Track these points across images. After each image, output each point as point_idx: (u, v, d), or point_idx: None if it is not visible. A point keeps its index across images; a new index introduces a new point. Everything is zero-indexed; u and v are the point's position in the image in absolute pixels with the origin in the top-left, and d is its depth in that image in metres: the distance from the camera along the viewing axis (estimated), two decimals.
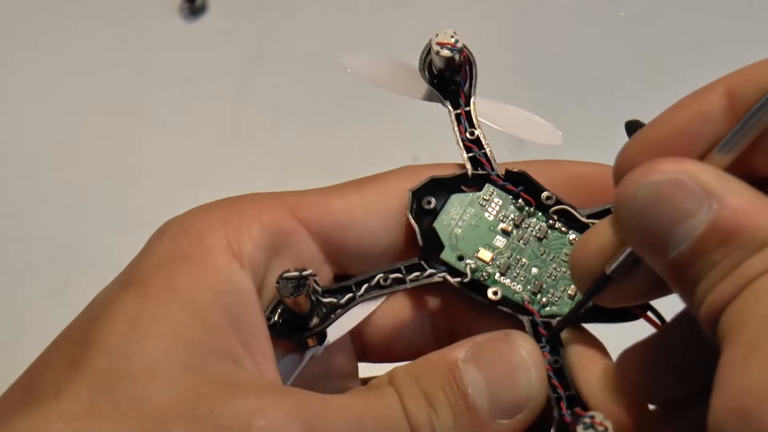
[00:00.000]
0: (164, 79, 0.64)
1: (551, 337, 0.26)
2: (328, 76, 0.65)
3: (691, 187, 0.21)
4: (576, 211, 0.27)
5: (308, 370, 0.27)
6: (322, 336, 0.27)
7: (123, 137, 0.62)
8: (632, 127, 0.28)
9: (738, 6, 0.68)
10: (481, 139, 0.28)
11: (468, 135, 0.28)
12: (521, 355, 0.25)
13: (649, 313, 0.27)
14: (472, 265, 0.27)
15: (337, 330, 0.27)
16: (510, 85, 0.65)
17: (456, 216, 0.27)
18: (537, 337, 0.26)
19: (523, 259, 0.27)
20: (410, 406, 0.23)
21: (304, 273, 0.25)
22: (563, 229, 0.27)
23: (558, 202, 0.27)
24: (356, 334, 0.28)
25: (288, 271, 0.25)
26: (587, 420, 0.24)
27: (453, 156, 0.64)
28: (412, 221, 0.27)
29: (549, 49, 0.67)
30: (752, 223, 0.20)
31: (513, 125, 0.30)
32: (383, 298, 0.27)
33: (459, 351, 0.24)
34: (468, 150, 0.28)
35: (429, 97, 0.30)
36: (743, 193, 0.21)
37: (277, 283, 0.25)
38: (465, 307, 0.27)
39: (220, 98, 0.63)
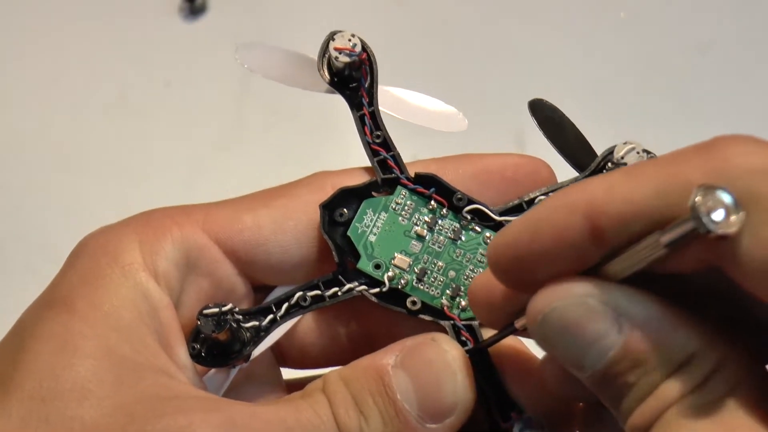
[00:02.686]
0: (164, 79, 0.64)
1: (476, 340, 0.26)
2: None
3: (598, 310, 0.20)
4: (489, 210, 0.27)
5: (233, 379, 0.27)
6: (247, 356, 0.27)
7: (123, 137, 0.62)
8: (536, 107, 0.28)
9: (738, 6, 0.68)
10: (388, 141, 0.28)
11: (374, 138, 0.28)
12: (447, 361, 0.25)
13: None
14: (390, 274, 0.26)
15: (260, 347, 0.27)
16: (510, 85, 0.65)
17: (369, 222, 0.27)
18: (460, 341, 0.26)
19: (440, 263, 0.27)
20: (341, 414, 0.23)
21: (224, 309, 0.25)
22: (477, 228, 0.27)
23: (470, 201, 0.27)
24: (274, 344, 0.28)
25: (208, 306, 0.25)
26: (520, 425, 0.25)
27: (452, 155, 0.64)
28: (326, 237, 0.26)
29: (549, 49, 0.67)
30: (664, 343, 0.20)
31: (417, 114, 0.30)
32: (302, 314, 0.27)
33: (389, 356, 0.24)
34: (375, 153, 0.28)
35: (332, 90, 0.29)
36: (652, 310, 0.20)
37: (198, 320, 0.25)
38: (384, 315, 0.27)
39: (220, 98, 0.63)
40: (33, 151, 0.61)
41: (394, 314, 0.27)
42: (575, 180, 0.28)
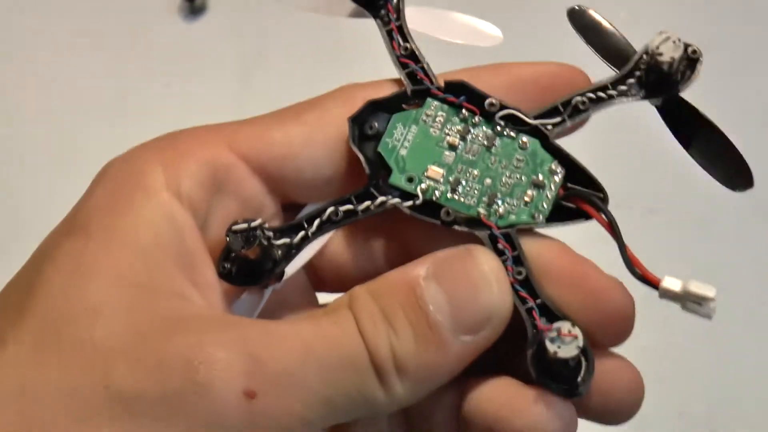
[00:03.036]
0: (164, 79, 0.64)
1: (513, 248, 0.25)
2: (328, 76, 0.65)
3: None
4: (522, 114, 0.27)
5: (266, 307, 0.26)
6: (280, 274, 0.26)
7: (123, 137, 0.62)
8: (575, 15, 0.27)
9: (738, 6, 0.68)
10: (416, 52, 0.27)
11: (402, 51, 0.28)
12: (483, 271, 0.24)
13: (602, 214, 0.27)
14: (423, 186, 0.26)
15: (292, 265, 0.26)
16: None
17: (400, 136, 0.26)
18: (497, 250, 0.25)
19: (475, 171, 0.26)
20: (367, 328, 0.22)
21: (253, 224, 0.24)
22: (512, 134, 0.26)
23: (502, 107, 0.27)
24: (308, 265, 0.27)
25: (236, 222, 0.24)
26: (554, 333, 0.23)
27: None
28: (356, 150, 0.26)
29: (549, 49, 0.67)
30: None
31: (448, 31, 0.29)
32: (335, 230, 0.26)
33: (420, 268, 0.24)
34: (404, 66, 0.27)
35: (356, 14, 0.29)
36: None
37: (227, 236, 0.24)
38: (419, 230, 0.26)
39: (220, 98, 0.63)
40: (33, 151, 0.61)
41: (431, 229, 0.26)
42: (614, 78, 0.28)
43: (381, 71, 0.68)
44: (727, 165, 0.28)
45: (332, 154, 0.26)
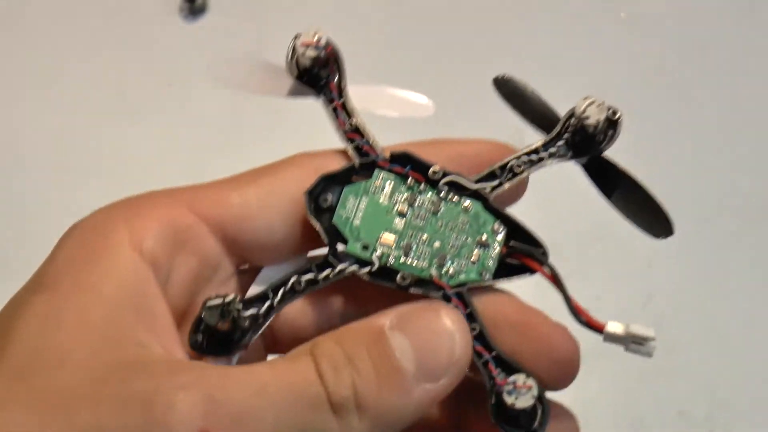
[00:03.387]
0: (164, 79, 0.64)
1: (466, 306, 0.27)
2: None
3: None
4: (463, 179, 0.28)
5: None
6: (247, 343, 0.27)
7: (123, 137, 0.62)
8: (500, 83, 0.29)
9: (738, 6, 0.68)
10: (361, 127, 0.29)
11: (348, 126, 0.29)
12: (446, 323, 0.25)
13: (545, 268, 0.28)
14: (377, 253, 0.27)
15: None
16: None
17: (352, 207, 0.28)
18: None
19: (424, 236, 0.27)
20: (327, 369, 0.23)
21: (227, 299, 0.25)
22: (455, 199, 0.28)
23: (445, 174, 0.28)
24: (267, 331, 0.28)
25: (211, 297, 0.25)
26: (510, 386, 0.25)
27: None
28: (314, 221, 0.27)
29: (549, 49, 0.67)
30: None
31: (385, 106, 0.31)
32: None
33: (384, 319, 0.25)
34: (351, 140, 0.28)
35: (295, 93, 0.30)
36: None
37: (202, 311, 0.25)
38: (378, 294, 0.27)
39: (220, 98, 0.63)
40: (33, 151, 0.61)
41: (388, 293, 0.27)
42: (544, 141, 0.30)
43: (380, 71, 0.68)
44: (647, 215, 0.30)
45: (287, 218, 0.28)
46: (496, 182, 0.28)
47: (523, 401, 0.24)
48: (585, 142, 0.29)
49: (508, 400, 0.24)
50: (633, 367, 0.55)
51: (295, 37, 0.29)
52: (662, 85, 0.65)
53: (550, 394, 0.26)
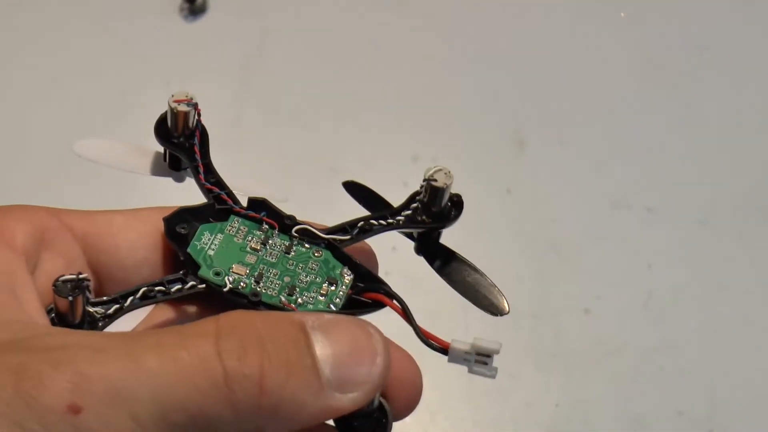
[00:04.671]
0: (164, 79, 0.64)
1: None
2: (328, 76, 0.65)
3: None
4: (315, 229, 0.30)
5: None
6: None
7: (123, 137, 0.62)
8: (349, 187, 0.32)
9: (738, 6, 0.68)
10: (221, 181, 0.31)
11: (208, 180, 0.31)
12: (377, 341, 0.24)
13: (394, 301, 0.28)
14: (229, 278, 0.28)
15: (112, 326, 0.28)
16: (509, 84, 0.65)
17: (207, 242, 0.29)
18: None
19: (274, 270, 0.29)
20: (232, 345, 0.22)
21: (81, 276, 0.26)
22: (306, 245, 0.29)
23: (297, 222, 0.30)
24: None
25: (62, 275, 0.26)
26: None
27: (453, 155, 0.64)
28: (170, 242, 0.29)
29: (549, 49, 0.67)
30: None
31: (122, 161, 0.33)
32: (150, 308, 0.28)
33: (306, 317, 0.24)
34: (210, 191, 0.30)
35: (156, 172, 0.33)
36: None
37: (55, 285, 0.26)
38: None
39: (220, 98, 0.63)
40: (33, 151, 0.61)
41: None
42: (399, 205, 0.31)
43: (378, 70, 0.68)
44: (484, 295, 0.30)
45: (147, 240, 0.29)
46: (347, 237, 0.30)
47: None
48: (434, 209, 0.30)
49: None
50: (633, 367, 0.55)
51: (170, 96, 0.31)
52: (662, 85, 0.65)
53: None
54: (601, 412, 0.53)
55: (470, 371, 0.26)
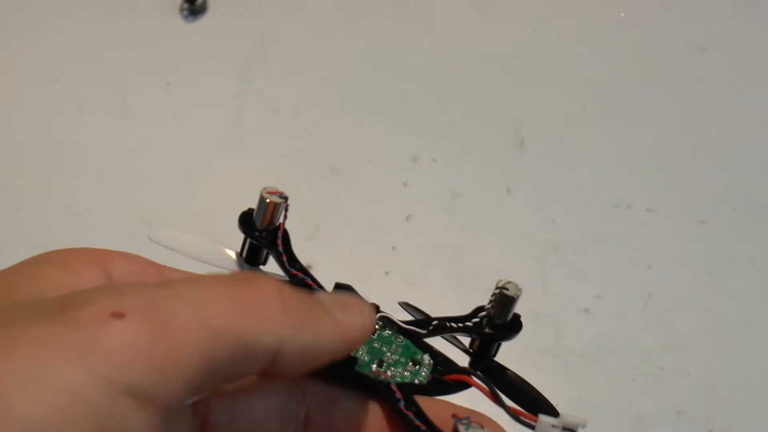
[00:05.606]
0: (164, 79, 0.64)
1: (403, 393, 0.30)
2: (328, 76, 0.65)
3: None
4: (395, 319, 0.32)
5: None
6: None
7: (123, 137, 0.62)
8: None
9: (738, 6, 0.68)
10: (303, 268, 0.32)
11: (294, 267, 0.32)
12: (362, 301, 0.28)
13: (475, 379, 0.30)
14: None
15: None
16: (509, 84, 0.65)
17: None
18: (392, 397, 0.30)
19: (362, 350, 0.31)
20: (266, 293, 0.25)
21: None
22: (388, 332, 0.32)
23: (380, 310, 0.32)
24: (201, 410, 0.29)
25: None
26: (465, 421, 0.28)
27: (452, 155, 0.64)
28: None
29: (549, 49, 0.67)
30: None
31: (196, 253, 0.34)
32: None
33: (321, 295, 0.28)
34: (295, 276, 0.32)
35: (232, 267, 0.34)
36: None
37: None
38: (319, 390, 0.30)
39: (220, 98, 0.63)
40: (33, 151, 0.61)
41: (327, 393, 0.30)
42: (465, 315, 0.33)
43: (378, 70, 0.68)
44: (534, 402, 0.33)
45: None
46: (423, 330, 0.32)
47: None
48: (498, 316, 0.32)
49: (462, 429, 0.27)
50: (633, 367, 0.55)
51: (263, 188, 0.33)
52: (662, 85, 0.65)
53: None
54: (601, 412, 0.53)
55: None
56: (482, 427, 0.27)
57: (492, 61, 0.66)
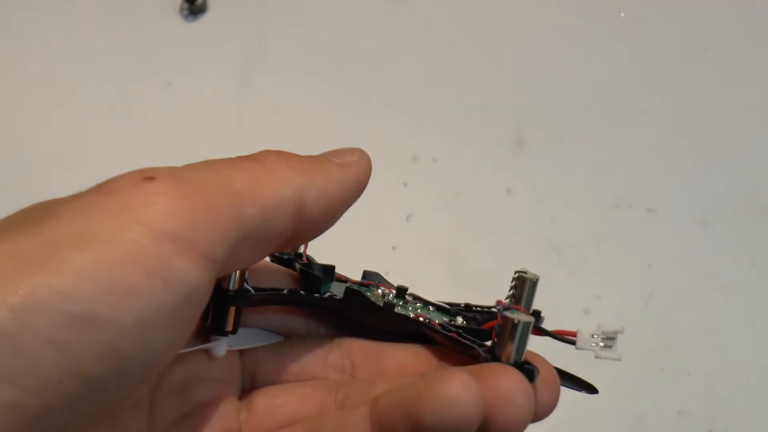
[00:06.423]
0: (164, 79, 0.64)
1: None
2: (328, 76, 0.65)
3: None
4: (425, 297, 0.33)
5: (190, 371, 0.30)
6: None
7: (123, 137, 0.62)
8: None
9: (738, 6, 0.68)
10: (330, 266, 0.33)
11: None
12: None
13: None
14: (368, 293, 0.32)
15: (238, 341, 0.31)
16: (510, 84, 0.65)
17: (334, 288, 0.33)
18: (434, 330, 0.31)
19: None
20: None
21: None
22: (419, 304, 0.32)
23: (407, 289, 0.33)
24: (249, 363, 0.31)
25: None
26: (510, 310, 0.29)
27: (452, 155, 0.64)
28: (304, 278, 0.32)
29: (549, 49, 0.67)
30: None
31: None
32: (281, 338, 0.32)
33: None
34: (326, 266, 0.33)
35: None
36: None
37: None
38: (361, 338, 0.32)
39: (220, 98, 0.63)
40: (33, 151, 0.61)
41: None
42: (499, 301, 0.32)
43: (377, 70, 0.68)
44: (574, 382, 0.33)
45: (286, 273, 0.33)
46: (450, 307, 0.33)
47: (522, 316, 0.28)
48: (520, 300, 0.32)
49: (511, 315, 0.28)
50: (633, 367, 0.55)
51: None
52: (662, 85, 0.65)
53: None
54: (601, 412, 0.53)
55: (597, 356, 0.31)
56: (524, 312, 0.28)
57: (492, 61, 0.66)
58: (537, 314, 0.32)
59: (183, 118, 0.63)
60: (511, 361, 0.28)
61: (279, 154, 0.28)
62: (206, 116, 0.63)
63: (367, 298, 0.31)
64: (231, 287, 0.29)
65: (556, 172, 0.62)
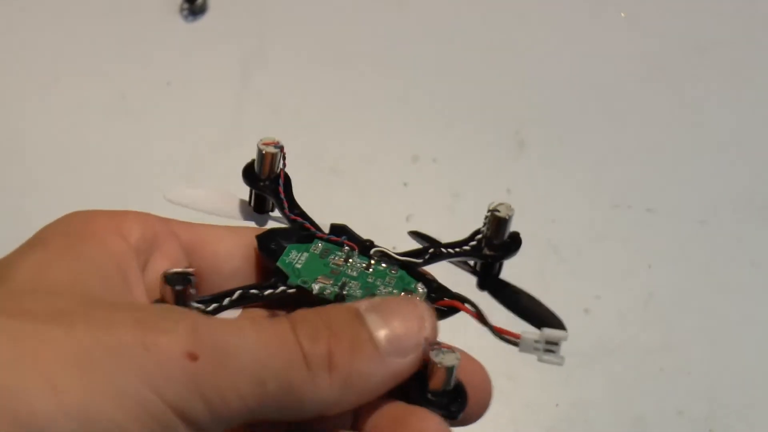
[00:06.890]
0: (164, 79, 0.64)
1: None
2: (328, 76, 0.65)
3: None
4: (391, 252, 0.32)
5: None
6: None
7: (123, 137, 0.62)
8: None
9: (738, 6, 0.68)
10: (304, 212, 0.34)
11: (293, 212, 0.33)
12: (421, 308, 0.28)
13: (467, 305, 0.30)
14: (315, 287, 0.31)
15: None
16: (510, 85, 0.65)
17: (294, 258, 0.32)
18: None
19: (356, 282, 0.31)
20: (304, 331, 0.26)
21: (188, 269, 0.28)
22: (383, 265, 0.32)
23: (375, 245, 0.33)
24: None
25: (172, 268, 0.28)
26: (436, 347, 0.28)
27: (452, 155, 0.64)
28: (263, 255, 0.32)
29: (549, 49, 0.67)
30: None
31: (211, 206, 0.36)
32: (240, 310, 0.31)
33: (358, 303, 0.28)
34: (294, 221, 0.33)
35: (243, 216, 0.35)
36: None
37: (165, 276, 0.28)
38: None
39: (220, 98, 0.63)
40: (33, 151, 0.61)
41: None
42: (461, 241, 0.34)
43: (378, 70, 0.68)
44: (540, 316, 0.34)
45: (242, 251, 0.32)
46: (419, 260, 0.32)
47: (449, 359, 0.27)
48: (495, 237, 0.34)
49: (436, 359, 0.27)
50: (633, 367, 0.55)
51: (259, 140, 0.35)
52: (662, 85, 0.65)
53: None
54: (601, 412, 0.53)
55: (540, 360, 0.29)
56: (453, 350, 0.27)
57: (492, 61, 0.66)
58: (429, 283, 0.31)
59: (183, 117, 0.63)
60: (440, 390, 0.27)
61: (329, 355, 0.26)
62: (206, 116, 0.63)
63: (315, 296, 0.31)
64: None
65: (556, 172, 0.62)
